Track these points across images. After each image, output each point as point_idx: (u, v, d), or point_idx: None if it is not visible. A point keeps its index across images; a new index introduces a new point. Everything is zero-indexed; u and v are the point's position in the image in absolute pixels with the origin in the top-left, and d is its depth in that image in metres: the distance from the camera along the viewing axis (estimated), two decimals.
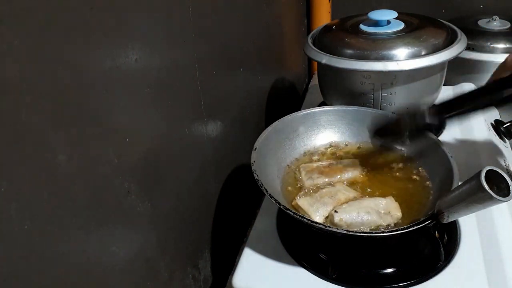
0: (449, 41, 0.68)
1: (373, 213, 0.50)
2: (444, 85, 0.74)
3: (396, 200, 0.52)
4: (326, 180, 0.57)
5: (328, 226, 0.47)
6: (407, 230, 0.45)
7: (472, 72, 0.95)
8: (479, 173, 0.40)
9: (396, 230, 0.45)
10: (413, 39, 0.66)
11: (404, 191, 0.55)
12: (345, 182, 0.57)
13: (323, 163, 0.59)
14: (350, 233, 0.46)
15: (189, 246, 0.58)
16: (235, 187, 0.72)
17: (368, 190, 0.55)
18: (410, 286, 0.48)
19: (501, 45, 0.92)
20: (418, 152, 0.59)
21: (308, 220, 0.47)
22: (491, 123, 0.79)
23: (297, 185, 0.57)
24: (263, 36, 0.81)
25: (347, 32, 0.72)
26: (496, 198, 0.39)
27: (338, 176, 0.57)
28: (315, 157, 0.62)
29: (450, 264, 0.50)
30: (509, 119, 0.81)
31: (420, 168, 0.57)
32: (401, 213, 0.51)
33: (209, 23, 0.57)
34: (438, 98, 0.74)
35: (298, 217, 0.46)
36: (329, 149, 0.63)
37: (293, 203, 0.53)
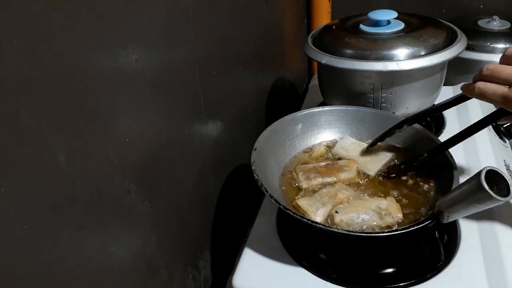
0: (449, 41, 0.68)
1: (373, 213, 0.50)
2: (444, 85, 0.74)
3: (396, 201, 0.52)
4: (324, 180, 0.56)
5: (328, 226, 0.47)
6: (407, 230, 0.45)
7: (472, 72, 0.94)
8: (479, 173, 0.40)
9: (396, 230, 0.45)
10: (413, 39, 0.66)
11: (404, 191, 0.55)
12: (344, 182, 0.57)
13: (319, 163, 0.59)
14: (350, 233, 0.46)
15: (189, 246, 0.58)
16: (235, 187, 0.72)
17: (368, 190, 0.55)
18: (410, 286, 0.48)
19: (501, 45, 0.92)
20: (418, 152, 0.59)
21: (308, 220, 0.47)
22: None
23: (297, 185, 0.57)
24: (263, 36, 0.81)
25: (347, 32, 0.72)
26: (496, 198, 0.39)
27: (335, 177, 0.57)
28: (315, 157, 0.62)
29: (450, 264, 0.50)
30: None
31: (420, 168, 0.57)
32: (401, 213, 0.51)
33: (209, 23, 0.57)
34: (438, 98, 0.74)
35: (298, 217, 0.46)
36: (329, 149, 0.63)
37: (293, 203, 0.53)
